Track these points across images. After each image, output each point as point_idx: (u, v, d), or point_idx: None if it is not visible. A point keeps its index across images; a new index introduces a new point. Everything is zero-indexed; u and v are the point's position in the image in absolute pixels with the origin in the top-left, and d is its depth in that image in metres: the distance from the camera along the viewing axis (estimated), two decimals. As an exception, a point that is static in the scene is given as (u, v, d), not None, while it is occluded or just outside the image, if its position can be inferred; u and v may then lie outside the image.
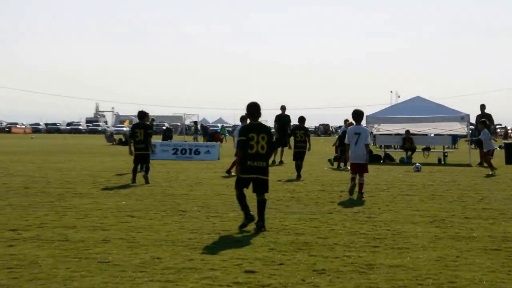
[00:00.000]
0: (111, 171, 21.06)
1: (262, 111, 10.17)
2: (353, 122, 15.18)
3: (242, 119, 19.13)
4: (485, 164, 22.70)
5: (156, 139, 35.23)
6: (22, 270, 7.07)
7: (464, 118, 29.09)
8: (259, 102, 10.26)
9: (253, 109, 10.14)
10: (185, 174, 20.41)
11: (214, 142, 37.69)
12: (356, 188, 14.44)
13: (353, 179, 14.51)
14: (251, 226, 9.92)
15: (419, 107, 29.75)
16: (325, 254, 8.02)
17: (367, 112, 20.09)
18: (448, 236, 9.43)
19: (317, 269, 7.21)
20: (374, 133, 31.77)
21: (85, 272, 7.00)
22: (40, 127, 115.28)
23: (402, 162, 28.65)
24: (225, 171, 20.60)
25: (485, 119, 24.20)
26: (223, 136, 60.26)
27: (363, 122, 15.22)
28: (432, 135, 36.79)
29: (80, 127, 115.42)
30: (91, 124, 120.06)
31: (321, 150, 41.24)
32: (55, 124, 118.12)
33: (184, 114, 57.16)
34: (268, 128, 10.27)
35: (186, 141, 37.03)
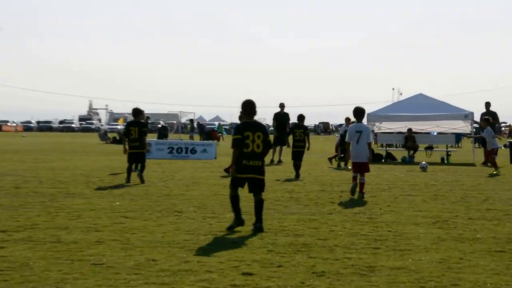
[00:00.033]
0: (104, 171, 21.05)
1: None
2: (354, 120, 15.20)
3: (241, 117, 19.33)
4: (489, 164, 22.71)
5: (151, 138, 35.24)
6: (13, 272, 7.07)
7: (468, 116, 29.10)
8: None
9: (248, 107, 10.15)
10: (181, 173, 20.40)
11: (211, 141, 37.73)
12: (357, 188, 14.46)
13: (354, 178, 14.53)
14: (249, 227, 9.93)
15: (421, 105, 29.76)
16: (324, 256, 8.03)
17: (368, 110, 20.02)
18: (451, 237, 9.44)
19: (317, 272, 7.21)
20: (375, 131, 31.78)
21: (78, 274, 7.00)
22: (31, 125, 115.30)
23: (404, 162, 28.68)
24: (223, 169, 20.59)
25: (488, 117, 24.21)
26: (220, 134, 60.29)
27: (364, 120, 15.21)
28: (435, 133, 36.89)
29: (73, 125, 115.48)
30: (84, 122, 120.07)
31: (320, 149, 41.28)
32: (47, 122, 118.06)
33: (180, 112, 57.15)
34: (264, 126, 10.31)
35: (182, 139, 37.05)
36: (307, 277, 7.01)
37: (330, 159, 25.96)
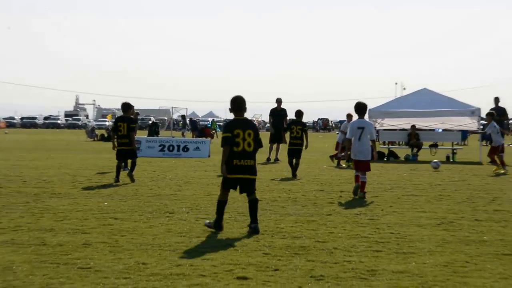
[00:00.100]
0: (92, 170, 21.04)
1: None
2: (356, 116, 15.24)
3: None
4: (497, 161, 22.73)
5: (141, 135, 35.23)
6: (-4, 276, 7.07)
7: (475, 112, 29.14)
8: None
9: (238, 104, 10.16)
10: (172, 172, 20.41)
11: (204, 138, 37.72)
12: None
13: (357, 178, 14.54)
14: (244, 229, 9.95)
15: (426, 100, 29.81)
16: (323, 259, 8.04)
17: (370, 105, 20.09)
18: (456, 239, 9.47)
19: (315, 275, 7.23)
20: (377, 128, 31.82)
21: (64, 278, 7.00)
22: (15, 121, 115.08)
23: (408, 160, 28.73)
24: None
25: (492, 111, 24.21)
26: (213, 131, 60.27)
27: (366, 116, 15.25)
28: (440, 130, 36.88)
29: (59, 122, 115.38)
30: (70, 118, 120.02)
31: (319, 147, 41.31)
32: (31, 118, 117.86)
33: (172, 107, 57.07)
34: (254, 124, 10.34)
35: (173, 137, 37.05)
36: (305, 281, 7.03)
37: (331, 157, 25.97)
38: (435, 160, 23.62)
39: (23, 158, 26.29)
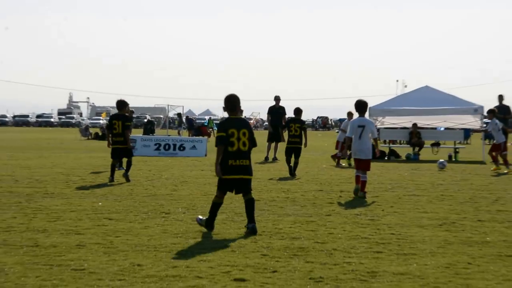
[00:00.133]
0: (86, 169, 21.04)
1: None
2: (357, 114, 15.27)
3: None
4: (501, 161, 22.74)
5: (136, 133, 35.22)
6: (-13, 278, 7.07)
7: (477, 110, 29.14)
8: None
9: (232, 102, 10.17)
10: (168, 172, 20.41)
11: (200, 137, 37.73)
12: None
13: (357, 179, 14.54)
14: (242, 230, 9.96)
15: (427, 98, 29.80)
16: (323, 261, 8.05)
17: (370, 103, 20.12)
18: (459, 240, 9.48)
19: (314, 277, 7.23)
20: (378, 126, 31.83)
21: (57, 280, 7.00)
22: (6, 119, 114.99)
23: (409, 159, 28.75)
24: None
25: (494, 108, 24.19)
26: (210, 130, 60.28)
27: (366, 115, 15.28)
28: (442, 129, 36.90)
29: (52, 120, 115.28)
30: (63, 116, 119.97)
31: (319, 145, 41.32)
32: (23, 116, 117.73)
33: (168, 105, 56.97)
34: (248, 123, 10.36)
35: (169, 135, 37.00)
36: (304, 283, 7.03)
37: (333, 157, 25.93)
38: (441, 160, 23.53)
39: (15, 157, 26.27)
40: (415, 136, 30.44)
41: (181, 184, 16.70)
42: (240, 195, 10.19)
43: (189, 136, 49.90)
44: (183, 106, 60.55)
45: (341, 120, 76.70)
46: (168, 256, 8.23)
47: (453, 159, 28.70)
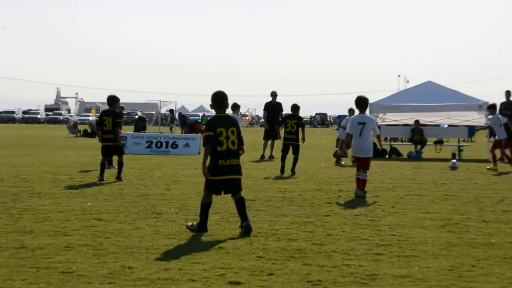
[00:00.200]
0: (74, 167, 21.02)
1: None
2: (357, 110, 15.30)
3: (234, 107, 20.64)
4: (505, 160, 22.77)
5: (127, 131, 35.22)
6: (-28, 281, 7.07)
7: (482, 106, 29.15)
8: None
9: (220, 99, 10.19)
10: (160, 170, 20.41)
11: (194, 134, 37.71)
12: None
13: (358, 181, 14.52)
14: (237, 230, 9.97)
15: (430, 94, 29.83)
16: (321, 263, 8.06)
17: (371, 99, 20.08)
18: (462, 242, 9.50)
19: (312, 280, 7.25)
20: (379, 123, 31.89)
21: (45, 284, 7.01)
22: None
23: (411, 157, 28.78)
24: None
25: (495, 103, 24.19)
26: (204, 127, 60.25)
27: (367, 112, 15.31)
28: (446, 126, 36.98)
29: (39, 116, 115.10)
30: (51, 113, 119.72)
31: (317, 143, 41.35)
32: (8, 112, 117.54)
33: (160, 101, 57.08)
34: (236, 121, 10.36)
35: (162, 132, 37.02)
36: (301, 286, 7.05)
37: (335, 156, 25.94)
38: (453, 161, 23.47)
39: (0, 155, 26.24)
40: (417, 133, 30.48)
41: (174, 184, 16.70)
42: (229, 195, 10.22)
43: (182, 133, 49.89)
44: (175, 102, 60.53)
45: (340, 117, 76.84)
46: (160, 258, 8.24)
47: (457, 158, 28.71)
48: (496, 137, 22.84)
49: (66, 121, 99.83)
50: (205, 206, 10.07)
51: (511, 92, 28.48)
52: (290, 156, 20.15)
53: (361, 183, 14.48)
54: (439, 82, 31.34)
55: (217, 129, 9.88)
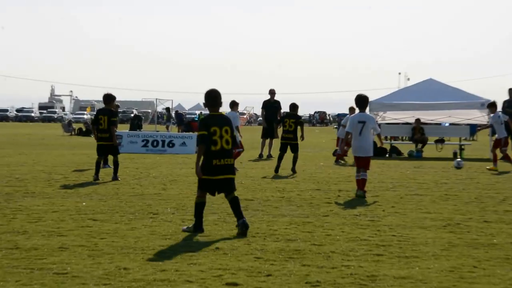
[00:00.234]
0: (69, 167, 21.01)
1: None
2: (357, 109, 15.31)
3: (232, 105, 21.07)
4: (499, 156, 22.69)
5: (122, 129, 35.21)
6: (-36, 283, 7.07)
7: (484, 104, 29.12)
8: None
9: (213, 98, 10.21)
10: (157, 170, 20.41)
11: (191, 133, 37.69)
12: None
13: (359, 182, 14.51)
14: (234, 231, 9.97)
15: (431, 92, 29.84)
16: (320, 264, 8.07)
17: (371, 97, 20.05)
18: (464, 243, 9.50)
19: (311, 281, 7.25)
20: (379, 122, 31.89)
21: (39, 285, 7.00)
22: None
23: (411, 156, 28.79)
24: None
25: (495, 101, 24.19)
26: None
27: (367, 110, 15.33)
28: (447, 124, 36.99)
29: (32, 114, 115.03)
30: (45, 111, 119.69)
31: (316, 142, 41.36)
32: (2, 110, 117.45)
33: (156, 99, 57.10)
34: (230, 120, 10.39)
35: (158, 131, 37.02)
36: (300, 287, 7.05)
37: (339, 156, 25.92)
38: (458, 160, 23.39)
39: (-6, 154, 26.22)
40: (418, 132, 30.49)
41: (170, 183, 16.70)
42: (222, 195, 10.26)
43: (178, 132, 49.91)
44: (172, 100, 60.57)
45: (339, 115, 76.88)
46: (156, 259, 8.24)
47: (458, 157, 28.73)
48: (496, 136, 22.80)
49: (60, 120, 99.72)
50: (199, 206, 10.09)
51: None
52: (289, 155, 20.14)
53: (361, 183, 14.49)
54: (440, 80, 31.36)
55: (211, 128, 9.90)
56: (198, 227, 10.00)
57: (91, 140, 17.94)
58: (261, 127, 28.50)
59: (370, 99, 17.24)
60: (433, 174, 20.25)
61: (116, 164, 17.39)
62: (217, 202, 12.33)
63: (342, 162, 24.23)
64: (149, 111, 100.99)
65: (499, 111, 23.22)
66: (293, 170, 19.80)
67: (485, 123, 30.72)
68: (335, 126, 69.76)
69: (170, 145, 29.11)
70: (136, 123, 47.81)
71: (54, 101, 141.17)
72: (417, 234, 10.09)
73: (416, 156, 28.87)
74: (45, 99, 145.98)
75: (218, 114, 10.19)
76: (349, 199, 14.10)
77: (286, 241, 9.42)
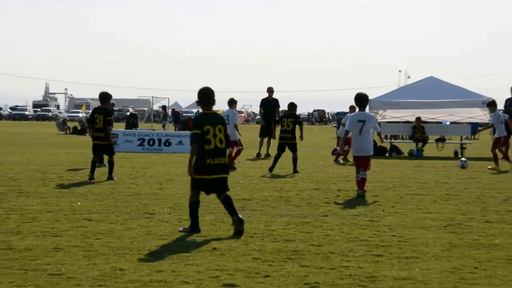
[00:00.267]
0: (64, 166, 21.01)
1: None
2: (356, 107, 15.33)
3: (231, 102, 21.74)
4: (500, 156, 22.68)
5: (118, 128, 35.18)
6: (-43, 284, 7.07)
7: (486, 102, 29.17)
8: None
9: (206, 96, 10.24)
10: (153, 169, 20.41)
11: (187, 131, 37.67)
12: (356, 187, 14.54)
13: (359, 183, 14.51)
14: (230, 231, 9.97)
15: (432, 90, 29.87)
16: (318, 265, 8.07)
17: (370, 95, 20.06)
18: (465, 243, 9.51)
19: (309, 282, 7.26)
20: (378, 120, 31.89)
21: (33, 286, 7.00)
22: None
23: (412, 156, 28.81)
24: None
25: (493, 100, 24.19)
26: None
27: (367, 109, 15.34)
28: (448, 123, 36.98)
29: (26, 113, 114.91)
30: (39, 109, 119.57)
31: (315, 141, 41.35)
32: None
33: (152, 97, 56.94)
34: (223, 118, 10.46)
35: (154, 129, 37.00)
36: (299, 289, 7.06)
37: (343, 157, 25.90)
38: (463, 159, 23.31)
39: (-13, 153, 26.20)
40: (418, 130, 30.49)
41: (167, 183, 16.70)
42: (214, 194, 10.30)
43: (175, 130, 49.90)
44: (168, 98, 60.36)
45: (339, 114, 76.81)
46: (153, 260, 8.24)
47: (459, 156, 28.75)
48: (496, 134, 22.80)
49: (55, 118, 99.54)
50: (194, 206, 10.11)
51: None
52: (288, 156, 20.10)
53: (360, 182, 14.49)
54: (441, 78, 31.37)
55: (204, 127, 9.92)
56: (194, 227, 10.01)
57: (86, 139, 17.95)
58: (258, 126, 28.47)
59: (370, 97, 17.24)
60: (434, 173, 20.27)
61: (111, 163, 17.39)
62: (214, 202, 12.31)
63: (343, 161, 24.20)
64: (145, 109, 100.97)
65: (500, 110, 23.18)
66: (295, 171, 19.72)
67: (487, 121, 30.75)
68: (334, 125, 69.75)
69: (167, 144, 29.11)
70: (132, 121, 47.68)
71: (48, 99, 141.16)
72: (418, 235, 10.10)
73: (416, 155, 28.88)
74: (39, 97, 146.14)
75: (211, 113, 10.21)
76: (349, 199, 14.10)
77: (284, 242, 9.42)
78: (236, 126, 21.52)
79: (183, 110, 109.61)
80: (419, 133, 30.43)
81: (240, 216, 9.95)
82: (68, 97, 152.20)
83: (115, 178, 17.07)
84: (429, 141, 30.95)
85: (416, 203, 13.56)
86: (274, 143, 24.73)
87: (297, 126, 20.32)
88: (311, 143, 36.97)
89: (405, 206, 13.05)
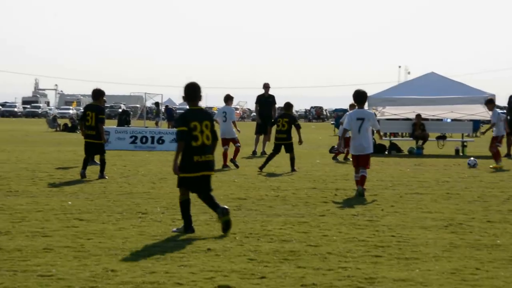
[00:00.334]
0: (54, 164, 20.98)
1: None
2: (355, 105, 15.34)
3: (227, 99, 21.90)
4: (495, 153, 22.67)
5: (110, 125, 35.18)
6: None
7: (488, 99, 29.21)
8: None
9: (192, 92, 10.25)
10: (146, 167, 20.40)
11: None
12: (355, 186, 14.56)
13: (358, 183, 14.52)
14: (226, 233, 9.97)
15: (433, 86, 29.86)
16: (316, 266, 8.09)
17: (369, 91, 20.08)
18: (466, 243, 9.53)
19: (307, 284, 7.27)
20: (378, 117, 31.90)
21: (22, 288, 7.02)
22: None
23: (412, 154, 28.82)
24: (228, 163, 20.55)
25: (492, 98, 24.20)
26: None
27: (366, 106, 15.35)
28: (449, 120, 37.02)
29: (15, 109, 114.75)
30: (28, 106, 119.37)
31: (312, 138, 41.33)
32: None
33: (145, 93, 56.93)
34: (210, 114, 10.52)
35: (147, 127, 36.98)
36: (295, 290, 7.07)
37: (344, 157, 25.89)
38: (471, 158, 23.26)
39: (-25, 151, 26.17)
40: (418, 128, 30.50)
41: (160, 181, 16.70)
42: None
43: (168, 127, 49.86)
44: (162, 95, 60.32)
45: (337, 110, 76.80)
46: (145, 260, 8.25)
47: (461, 154, 28.80)
48: (494, 133, 22.79)
49: (45, 115, 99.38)
50: (185, 204, 10.11)
51: None
52: (286, 156, 20.06)
53: (360, 179, 14.50)
54: (442, 74, 31.37)
55: (190, 124, 9.93)
56: (187, 227, 10.01)
57: (77, 136, 17.95)
58: (254, 123, 28.46)
59: (369, 94, 17.24)
60: (434, 172, 20.29)
61: (102, 162, 17.37)
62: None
63: (344, 160, 24.14)
64: (138, 106, 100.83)
65: (501, 108, 23.19)
66: (293, 170, 19.64)
67: (489, 118, 30.78)
68: (332, 122, 69.73)
69: (160, 141, 29.08)
70: (124, 118, 47.72)
71: (38, 96, 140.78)
72: (418, 235, 10.12)
73: (416, 153, 28.89)
74: (28, 93, 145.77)
75: (197, 109, 10.24)
76: (347, 198, 14.12)
77: (280, 242, 9.43)
78: (234, 123, 21.54)
79: (177, 107, 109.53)
80: (419, 130, 30.43)
81: (225, 207, 9.97)
82: (59, 93, 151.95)
83: (106, 177, 17.07)
84: (429, 138, 30.96)
85: (416, 202, 13.58)
86: (272, 142, 24.77)
87: (294, 128, 20.12)
88: (308, 141, 36.89)
89: (405, 206, 13.07)
